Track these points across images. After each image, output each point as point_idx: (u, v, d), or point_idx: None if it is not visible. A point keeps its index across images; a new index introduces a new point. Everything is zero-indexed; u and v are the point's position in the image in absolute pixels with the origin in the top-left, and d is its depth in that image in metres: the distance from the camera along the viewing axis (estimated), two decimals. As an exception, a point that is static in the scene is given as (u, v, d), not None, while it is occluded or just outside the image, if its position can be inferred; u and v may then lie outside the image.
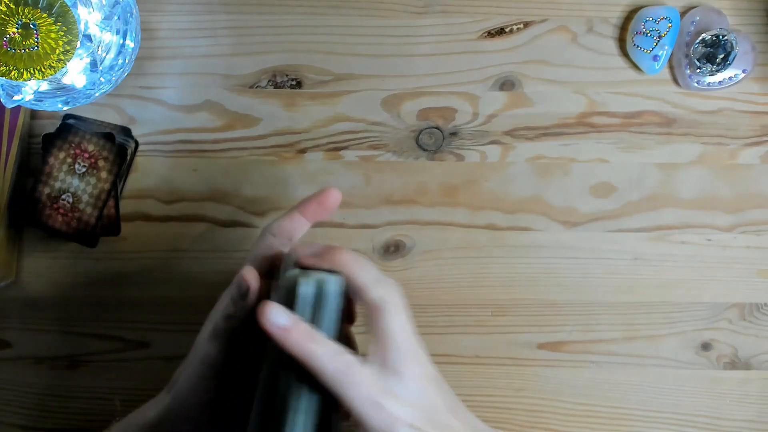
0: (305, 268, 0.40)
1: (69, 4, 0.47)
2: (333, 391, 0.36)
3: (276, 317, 0.37)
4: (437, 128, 0.59)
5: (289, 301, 0.39)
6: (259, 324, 0.37)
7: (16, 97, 0.48)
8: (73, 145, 0.55)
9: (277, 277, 0.44)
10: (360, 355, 0.38)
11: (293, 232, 0.44)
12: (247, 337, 0.42)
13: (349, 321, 0.44)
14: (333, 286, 0.39)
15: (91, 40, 0.49)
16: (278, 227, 0.44)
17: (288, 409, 0.37)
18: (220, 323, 0.42)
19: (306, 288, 0.38)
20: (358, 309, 0.42)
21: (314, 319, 0.39)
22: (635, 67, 0.59)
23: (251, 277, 0.41)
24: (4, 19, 0.47)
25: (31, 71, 0.47)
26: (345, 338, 0.43)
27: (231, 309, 0.41)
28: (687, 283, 0.59)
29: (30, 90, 0.49)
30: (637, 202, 0.59)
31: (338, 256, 0.39)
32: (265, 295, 0.42)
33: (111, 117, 0.58)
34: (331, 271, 0.39)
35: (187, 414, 0.43)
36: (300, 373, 0.37)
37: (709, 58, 0.57)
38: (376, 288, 0.39)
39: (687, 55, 0.58)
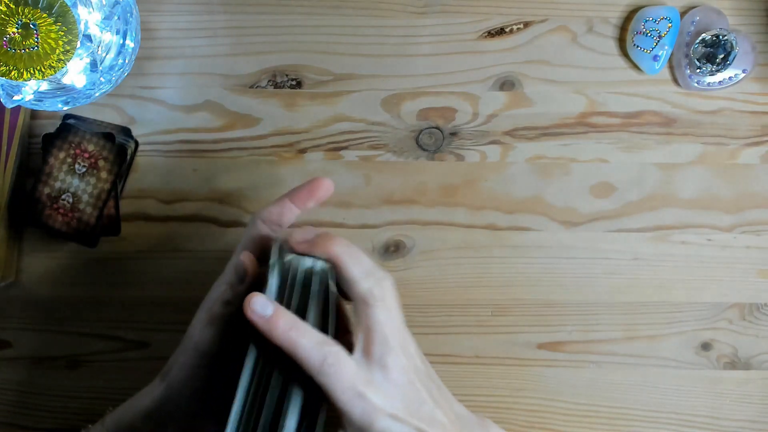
0: (297, 253, 0.40)
1: (69, 4, 0.47)
2: (317, 380, 0.36)
3: (260, 307, 0.37)
4: (437, 128, 0.59)
5: (280, 287, 0.39)
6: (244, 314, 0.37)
7: (16, 97, 0.48)
8: (73, 145, 0.55)
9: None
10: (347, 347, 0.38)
11: (282, 219, 0.45)
12: (239, 326, 0.42)
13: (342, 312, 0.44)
14: (321, 274, 0.39)
15: (91, 40, 0.49)
16: (268, 213, 0.45)
17: (275, 401, 0.37)
18: (216, 309, 0.42)
19: (296, 274, 0.38)
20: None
21: (302, 308, 0.38)
22: (635, 67, 0.59)
23: (248, 260, 0.42)
24: (4, 19, 0.47)
25: (31, 71, 0.47)
26: (341, 330, 0.42)
27: (229, 294, 0.42)
28: (687, 283, 0.59)
29: (30, 90, 0.49)
30: (637, 202, 0.59)
31: (330, 245, 0.39)
32: (259, 280, 0.42)
33: (111, 117, 0.58)
34: (321, 259, 0.39)
35: (181, 402, 0.43)
36: (286, 365, 0.37)
37: (709, 58, 0.57)
38: (365, 281, 0.38)
39: (687, 55, 0.58)
